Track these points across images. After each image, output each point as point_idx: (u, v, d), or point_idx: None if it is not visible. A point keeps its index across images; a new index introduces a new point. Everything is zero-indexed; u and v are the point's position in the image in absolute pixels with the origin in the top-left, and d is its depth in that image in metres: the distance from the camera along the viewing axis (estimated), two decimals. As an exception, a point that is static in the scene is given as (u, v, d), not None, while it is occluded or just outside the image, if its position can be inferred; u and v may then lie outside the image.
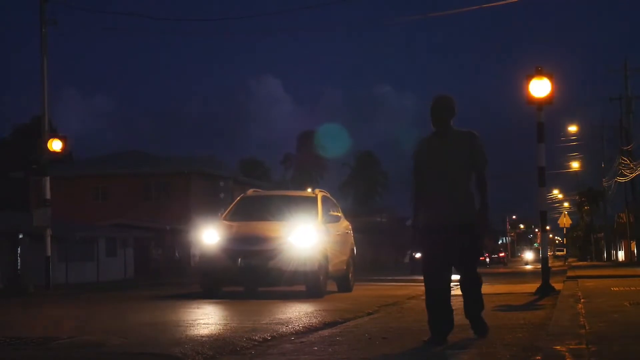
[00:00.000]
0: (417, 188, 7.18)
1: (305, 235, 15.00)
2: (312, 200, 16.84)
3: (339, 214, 17.37)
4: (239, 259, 14.70)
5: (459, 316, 7.34)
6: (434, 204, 7.00)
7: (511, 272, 46.76)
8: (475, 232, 6.96)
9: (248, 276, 14.83)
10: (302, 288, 15.16)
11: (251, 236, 15.03)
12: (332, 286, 16.63)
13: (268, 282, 15.04)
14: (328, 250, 15.67)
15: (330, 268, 15.76)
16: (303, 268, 14.67)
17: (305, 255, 14.74)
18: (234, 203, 17.16)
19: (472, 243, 6.99)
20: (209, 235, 15.26)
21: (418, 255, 36.00)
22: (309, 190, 17.47)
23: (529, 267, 64.12)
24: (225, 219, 16.13)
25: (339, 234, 16.89)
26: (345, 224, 17.90)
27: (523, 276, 32.84)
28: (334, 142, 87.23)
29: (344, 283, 17.26)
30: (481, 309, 7.31)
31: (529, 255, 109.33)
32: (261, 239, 14.87)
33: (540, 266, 17.22)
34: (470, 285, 7.17)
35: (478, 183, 7.05)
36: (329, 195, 17.99)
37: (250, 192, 17.67)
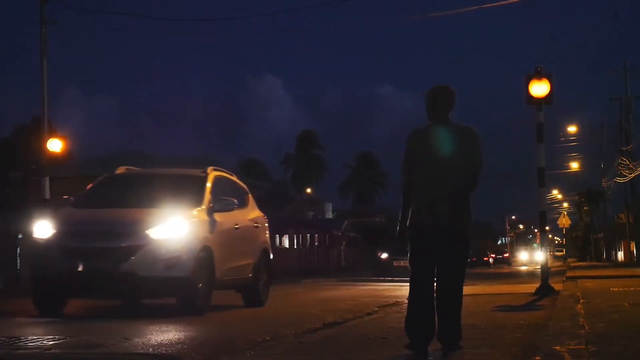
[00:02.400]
0: (406, 183, 6.53)
1: (176, 228, 10.96)
2: (199, 181, 12.41)
3: (236, 201, 12.45)
4: (80, 261, 10.69)
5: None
6: (426, 201, 6.39)
7: (512, 272, 46.79)
8: (468, 237, 6.42)
9: (93, 285, 10.77)
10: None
11: (98, 229, 11.02)
12: (235, 299, 12.95)
13: (122, 292, 11.15)
14: (215, 249, 11.52)
15: (220, 274, 11.65)
16: (171, 273, 10.70)
17: (175, 255, 10.78)
18: (93, 184, 12.97)
19: (462, 247, 6.42)
20: (41, 228, 11.24)
21: (384, 256, 34.91)
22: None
23: (524, 268, 62.90)
24: (75, 205, 12.03)
25: (238, 228, 12.59)
26: (253, 215, 13.69)
27: (523, 276, 32.87)
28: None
29: (251, 295, 13.07)
30: (459, 332, 6.47)
31: (523, 256, 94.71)
32: (112, 233, 10.87)
33: (536, 267, 17.23)
34: (451, 298, 6.40)
35: (470, 184, 6.44)
36: (231, 176, 13.86)
37: (120, 169, 13.30)
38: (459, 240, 6.40)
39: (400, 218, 6.59)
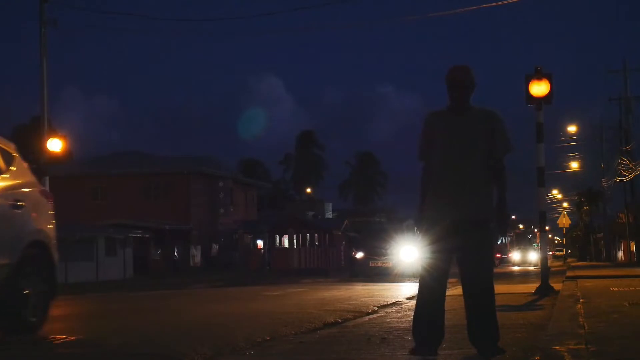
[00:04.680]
0: (426, 171, 6.10)
1: None
2: None
3: None
4: None
5: (451, 314, 7.32)
6: (444, 193, 5.95)
7: (513, 272, 46.81)
8: (492, 231, 6.02)
9: None
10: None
11: None
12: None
13: None
14: None
15: None
16: None
17: None
18: None
19: (486, 242, 6.03)
20: None
21: (359, 255, 33.87)
22: None
23: (516, 268, 61.84)
24: None
25: None
26: (10, 186, 8.41)
27: (524, 276, 32.88)
28: None
29: (6, 314, 8.08)
30: (497, 333, 6.09)
31: (515, 256, 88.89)
32: None
33: (536, 267, 17.24)
34: (482, 297, 6.11)
35: (495, 172, 5.98)
36: None
37: None
38: (481, 232, 5.97)
39: (419, 207, 6.13)
